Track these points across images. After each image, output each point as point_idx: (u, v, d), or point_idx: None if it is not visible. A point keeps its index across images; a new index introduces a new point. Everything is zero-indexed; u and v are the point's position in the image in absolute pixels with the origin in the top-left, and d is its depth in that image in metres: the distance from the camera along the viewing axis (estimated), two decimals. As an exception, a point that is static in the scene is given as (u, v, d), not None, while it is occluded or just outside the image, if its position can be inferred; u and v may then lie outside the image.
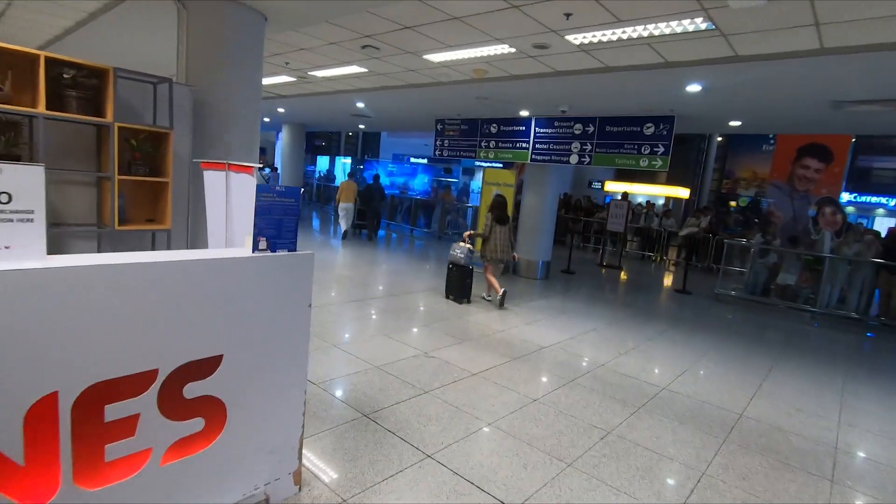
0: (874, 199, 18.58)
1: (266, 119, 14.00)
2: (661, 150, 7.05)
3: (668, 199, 26.00)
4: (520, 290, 7.73)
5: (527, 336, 5.31)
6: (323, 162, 33.00)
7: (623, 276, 10.58)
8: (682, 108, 6.61)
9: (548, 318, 6.20)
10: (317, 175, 28.26)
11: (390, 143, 29.81)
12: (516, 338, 5.21)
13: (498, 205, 6.44)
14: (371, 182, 12.04)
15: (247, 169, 2.65)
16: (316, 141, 33.57)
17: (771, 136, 19.50)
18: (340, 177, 28.82)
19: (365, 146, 33.31)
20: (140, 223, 3.70)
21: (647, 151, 7.18)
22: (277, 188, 2.07)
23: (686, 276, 9.16)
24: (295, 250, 2.16)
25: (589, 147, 7.76)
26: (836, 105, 5.80)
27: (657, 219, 13.99)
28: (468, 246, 6.46)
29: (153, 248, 3.86)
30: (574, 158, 7.92)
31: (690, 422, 3.62)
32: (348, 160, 32.61)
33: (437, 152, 9.94)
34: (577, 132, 7.88)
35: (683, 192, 26.59)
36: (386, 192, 13.01)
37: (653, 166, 7.14)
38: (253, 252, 2.03)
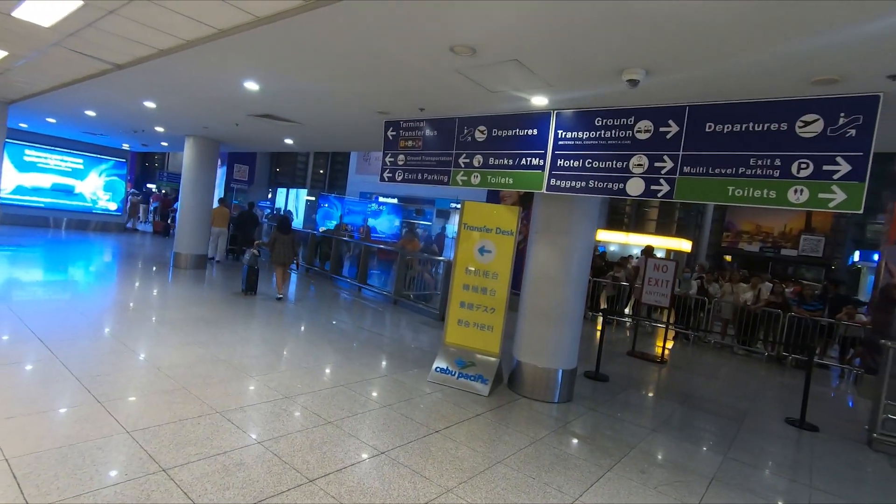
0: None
1: (159, 129, 9.93)
2: (846, 169, 3.28)
3: (668, 252, 22.64)
4: (511, 445, 3.63)
5: None
6: (280, 196, 29.01)
7: (673, 377, 6.64)
8: (916, 72, 2.91)
9: None
10: (266, 211, 23.73)
11: (359, 181, 26.22)
12: None
13: (281, 220, 8.83)
14: (245, 209, 12.85)
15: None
16: (279, 173, 29.77)
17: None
18: (297, 212, 25.07)
19: (332, 182, 29.74)
20: None
21: (806, 173, 3.40)
22: None
23: (806, 398, 5.28)
24: None
25: (669, 165, 3.95)
26: None
27: (695, 283, 10.28)
28: (254, 251, 8.31)
29: None
30: (636, 186, 4.08)
31: None
32: (305, 194, 28.71)
33: (385, 174, 6.01)
34: (641, 135, 4.09)
35: (686, 245, 23.31)
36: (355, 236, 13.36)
37: (822, 204, 3.34)
38: None
